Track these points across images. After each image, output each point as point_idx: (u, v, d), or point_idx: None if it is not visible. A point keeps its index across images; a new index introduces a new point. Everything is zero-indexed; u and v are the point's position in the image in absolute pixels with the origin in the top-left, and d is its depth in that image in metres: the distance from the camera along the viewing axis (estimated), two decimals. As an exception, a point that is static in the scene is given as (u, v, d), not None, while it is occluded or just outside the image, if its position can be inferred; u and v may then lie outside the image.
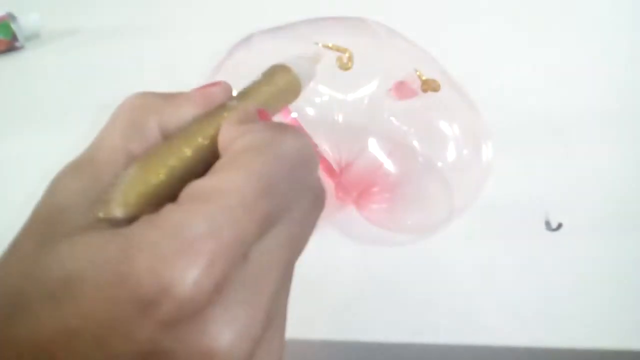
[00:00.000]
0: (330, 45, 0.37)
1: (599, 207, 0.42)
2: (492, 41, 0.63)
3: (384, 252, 0.40)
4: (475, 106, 0.39)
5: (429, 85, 0.37)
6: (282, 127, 0.17)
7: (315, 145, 0.37)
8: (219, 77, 0.38)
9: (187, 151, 0.17)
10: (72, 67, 0.65)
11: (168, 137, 0.18)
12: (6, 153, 0.53)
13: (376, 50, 0.39)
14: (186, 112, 0.19)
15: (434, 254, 0.39)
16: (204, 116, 0.19)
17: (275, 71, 0.22)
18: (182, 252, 0.14)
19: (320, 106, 0.37)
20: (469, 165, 0.38)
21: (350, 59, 0.37)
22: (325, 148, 0.37)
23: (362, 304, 0.37)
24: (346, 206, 0.39)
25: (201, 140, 0.18)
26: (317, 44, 0.37)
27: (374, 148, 0.37)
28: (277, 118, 0.22)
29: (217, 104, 0.20)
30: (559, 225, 0.41)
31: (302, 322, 0.35)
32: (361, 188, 0.38)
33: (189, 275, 0.14)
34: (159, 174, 0.16)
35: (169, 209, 0.15)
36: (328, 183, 0.37)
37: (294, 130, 0.18)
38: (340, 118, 0.37)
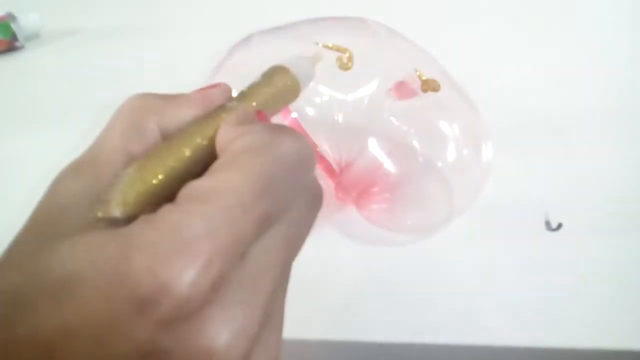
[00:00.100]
0: (330, 45, 0.37)
1: (599, 207, 0.42)
2: (492, 41, 0.63)
3: (384, 252, 0.40)
4: (475, 106, 0.39)
5: (429, 85, 0.37)
6: (280, 128, 0.18)
7: (315, 146, 0.37)
8: (218, 77, 0.38)
9: (186, 152, 0.17)
10: (72, 67, 0.65)
11: (167, 137, 0.19)
12: (6, 153, 0.53)
13: (376, 50, 0.39)
14: (186, 114, 0.19)
15: (434, 254, 0.39)
16: (203, 117, 0.19)
17: (275, 72, 0.22)
18: (180, 252, 0.14)
19: (320, 106, 0.37)
20: (469, 165, 0.38)
21: (350, 59, 0.37)
22: (325, 148, 0.37)
23: (362, 304, 0.37)
24: (346, 206, 0.39)
25: (200, 140, 0.18)
26: (317, 44, 0.37)
27: (374, 148, 0.37)
28: (277, 118, 0.22)
29: (217, 105, 0.20)
30: (559, 225, 0.41)
31: (302, 322, 0.35)
32: (361, 188, 0.38)
33: (186, 275, 0.14)
34: (157, 174, 0.17)
35: (167, 209, 0.15)
36: (328, 183, 0.37)
37: (291, 131, 0.18)
38: (340, 118, 0.37)
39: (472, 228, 0.40)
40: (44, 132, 0.54)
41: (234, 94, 0.21)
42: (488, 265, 0.39)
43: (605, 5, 0.70)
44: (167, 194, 0.16)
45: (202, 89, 0.21)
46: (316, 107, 0.37)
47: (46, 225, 0.16)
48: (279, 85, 0.21)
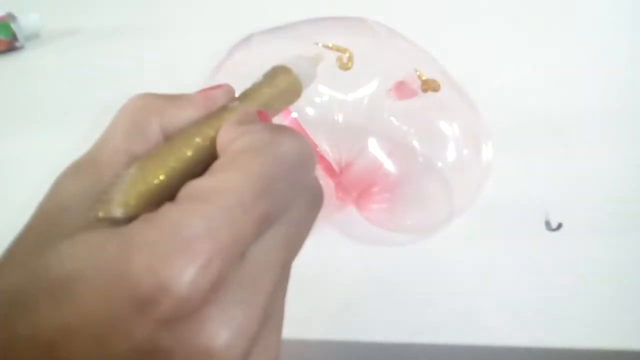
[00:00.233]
0: (330, 45, 0.37)
1: (599, 207, 0.42)
2: (492, 41, 0.63)
3: (384, 252, 0.40)
4: (475, 106, 0.39)
5: (429, 85, 0.37)
6: (281, 129, 0.18)
7: (315, 146, 0.37)
8: (218, 77, 0.38)
9: (187, 152, 0.17)
10: (72, 67, 0.65)
11: (169, 138, 0.19)
12: (6, 153, 0.53)
13: (376, 50, 0.39)
14: (188, 114, 0.19)
15: (434, 254, 0.39)
16: (205, 118, 0.19)
17: (276, 72, 0.22)
18: (180, 251, 0.14)
19: (320, 106, 0.37)
20: (469, 165, 0.38)
21: (350, 59, 0.37)
22: (325, 148, 0.37)
23: (362, 304, 0.37)
24: (346, 206, 0.39)
25: (201, 141, 0.18)
26: (317, 44, 0.37)
27: (374, 148, 0.37)
28: (277, 118, 0.22)
29: (219, 106, 0.20)
30: (559, 225, 0.41)
31: (302, 322, 0.35)
32: (361, 188, 0.38)
33: (186, 275, 0.14)
34: (159, 175, 0.17)
35: (167, 209, 0.15)
36: (328, 183, 0.37)
37: (292, 131, 0.18)
38: (340, 118, 0.37)
39: (472, 228, 0.40)
40: (44, 132, 0.54)
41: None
42: (488, 265, 0.39)
43: (605, 5, 0.70)
44: (168, 194, 0.16)
45: (205, 90, 0.21)
46: (316, 107, 0.37)
47: (47, 225, 0.16)
48: (281, 85, 0.22)
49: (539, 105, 0.53)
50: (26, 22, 0.69)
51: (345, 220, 0.40)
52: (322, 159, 0.37)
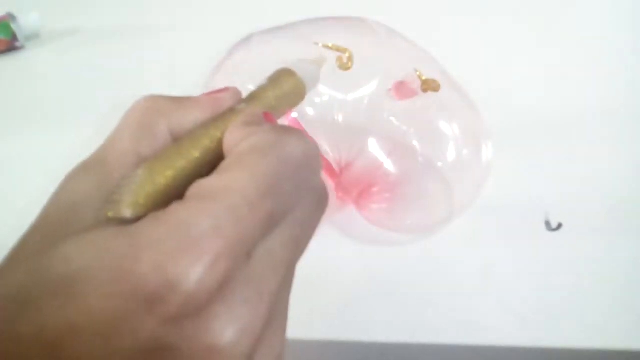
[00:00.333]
0: (330, 45, 0.37)
1: (599, 207, 0.42)
2: (493, 41, 0.63)
3: (384, 252, 0.40)
4: (475, 106, 0.39)
5: (429, 85, 0.37)
6: (287, 130, 0.18)
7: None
8: (218, 77, 0.38)
9: (195, 153, 0.18)
10: (72, 67, 0.65)
11: (177, 139, 0.19)
12: (6, 153, 0.53)
13: (376, 50, 0.40)
14: (195, 116, 0.20)
15: (434, 254, 0.39)
16: (212, 120, 0.19)
17: (281, 75, 0.22)
18: (187, 249, 0.14)
19: (320, 106, 0.37)
20: (469, 165, 0.38)
21: (350, 59, 0.37)
22: (325, 148, 0.37)
23: (362, 304, 0.37)
24: (346, 206, 0.39)
25: (209, 142, 0.18)
26: (317, 44, 0.37)
27: (374, 148, 0.37)
28: (280, 120, 0.22)
29: (226, 108, 0.20)
30: (559, 225, 0.41)
31: (302, 321, 0.35)
32: (361, 188, 0.38)
33: (193, 272, 0.14)
34: (167, 176, 0.17)
35: (175, 207, 0.15)
36: (328, 183, 0.37)
37: (298, 132, 0.18)
38: (340, 118, 0.37)
39: (472, 228, 0.40)
40: (44, 132, 0.54)
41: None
42: (488, 265, 0.39)
43: (606, 5, 0.70)
44: (176, 195, 0.16)
45: (212, 93, 0.21)
46: (316, 107, 0.37)
47: (54, 225, 0.16)
48: (286, 88, 0.22)
49: (539, 105, 0.53)
50: (26, 22, 0.69)
51: (345, 220, 0.40)
52: (322, 159, 0.37)
